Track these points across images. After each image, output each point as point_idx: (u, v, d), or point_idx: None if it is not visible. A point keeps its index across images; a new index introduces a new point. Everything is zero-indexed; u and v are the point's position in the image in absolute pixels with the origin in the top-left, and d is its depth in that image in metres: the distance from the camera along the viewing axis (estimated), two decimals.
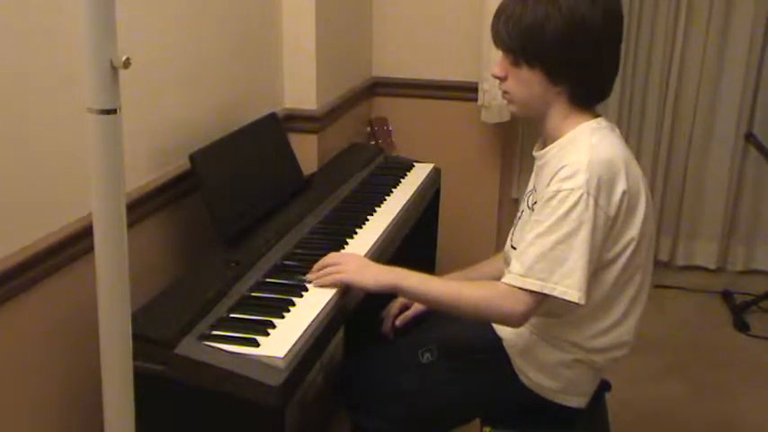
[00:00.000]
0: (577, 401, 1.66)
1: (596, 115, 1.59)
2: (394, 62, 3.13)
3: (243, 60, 2.22)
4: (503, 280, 1.51)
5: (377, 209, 2.09)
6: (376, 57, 3.15)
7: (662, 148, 3.42)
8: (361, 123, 2.91)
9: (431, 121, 3.12)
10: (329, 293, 1.58)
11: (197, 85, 1.97)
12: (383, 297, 1.77)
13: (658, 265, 3.42)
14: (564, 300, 1.45)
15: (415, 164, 2.53)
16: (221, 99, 2.10)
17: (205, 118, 2.00)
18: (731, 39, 3.28)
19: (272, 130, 2.16)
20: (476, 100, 2.99)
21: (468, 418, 1.77)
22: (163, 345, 1.37)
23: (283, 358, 1.35)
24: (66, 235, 1.47)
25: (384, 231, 1.95)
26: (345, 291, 1.61)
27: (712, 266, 3.54)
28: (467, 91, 3.01)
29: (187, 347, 1.38)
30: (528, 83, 1.55)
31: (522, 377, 1.64)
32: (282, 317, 1.48)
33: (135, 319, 1.20)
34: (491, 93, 2.89)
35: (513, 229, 1.70)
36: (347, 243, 1.85)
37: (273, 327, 1.44)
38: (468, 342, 1.72)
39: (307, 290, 1.59)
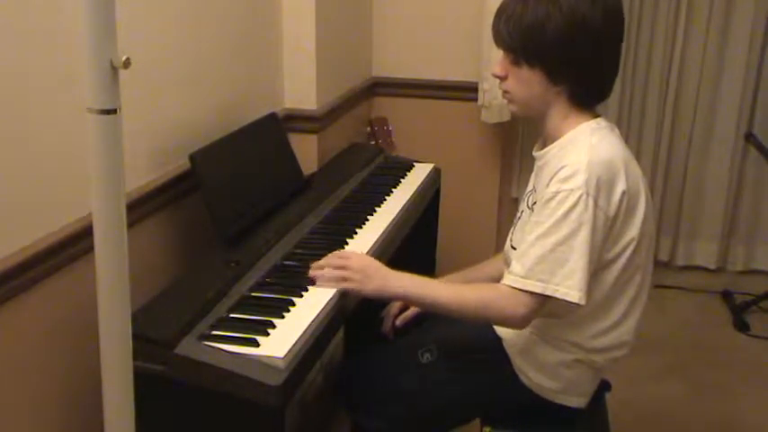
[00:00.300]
0: (577, 401, 1.66)
1: (596, 115, 1.59)
2: (394, 62, 3.13)
3: (243, 60, 2.22)
4: (503, 281, 1.51)
5: (377, 209, 2.09)
6: (376, 57, 3.15)
7: (662, 148, 3.42)
8: (361, 123, 2.91)
9: (431, 121, 3.12)
10: (329, 293, 1.57)
11: (197, 85, 1.97)
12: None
13: (658, 265, 3.42)
14: (565, 301, 1.45)
15: (415, 164, 2.53)
16: (221, 99, 2.10)
17: (205, 118, 2.00)
18: (731, 39, 3.28)
19: (272, 130, 2.16)
20: (476, 100, 2.99)
21: (468, 418, 1.77)
22: (163, 345, 1.37)
23: (283, 358, 1.35)
24: (67, 235, 1.47)
25: (384, 231, 1.95)
26: (345, 291, 1.61)
27: (712, 266, 3.54)
28: (467, 91, 3.01)
29: (187, 347, 1.38)
30: (528, 82, 1.55)
31: (522, 377, 1.64)
32: (282, 317, 1.48)
33: (135, 319, 1.20)
34: (491, 93, 2.89)
35: (513, 230, 1.70)
36: (347, 243, 1.85)
37: (273, 327, 1.44)
38: (468, 342, 1.72)
39: (307, 290, 1.59)
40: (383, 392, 1.73)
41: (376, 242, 1.88)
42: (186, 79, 1.92)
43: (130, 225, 1.15)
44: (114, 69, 1.04)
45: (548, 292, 1.45)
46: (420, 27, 3.09)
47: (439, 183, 2.57)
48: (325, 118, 2.55)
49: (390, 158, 2.58)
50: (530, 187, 1.69)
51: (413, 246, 2.16)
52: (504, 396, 1.69)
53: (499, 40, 1.56)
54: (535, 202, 1.56)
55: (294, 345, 1.39)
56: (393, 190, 2.26)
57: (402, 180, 2.36)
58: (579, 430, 1.70)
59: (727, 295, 3.34)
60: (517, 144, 3.25)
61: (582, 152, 1.48)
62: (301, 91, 2.47)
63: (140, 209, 1.71)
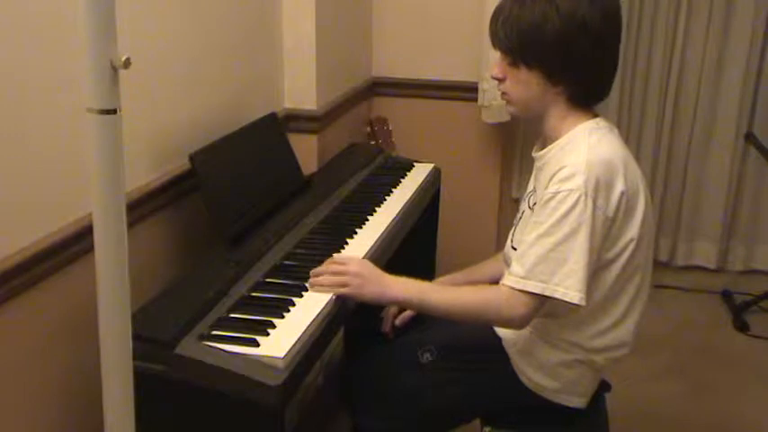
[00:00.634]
0: (577, 401, 1.66)
1: (595, 115, 1.59)
2: (394, 62, 3.13)
3: (243, 60, 2.22)
4: (503, 282, 1.51)
5: (377, 209, 2.09)
6: (376, 57, 3.15)
7: (662, 148, 3.42)
8: (361, 123, 2.91)
9: (431, 121, 3.12)
10: (329, 294, 1.58)
11: (197, 85, 1.97)
12: None
13: (658, 265, 3.42)
14: (565, 301, 1.45)
15: (415, 164, 2.53)
16: (221, 99, 2.10)
17: (205, 118, 2.00)
18: (731, 39, 3.28)
19: (272, 130, 2.16)
20: (476, 100, 2.99)
21: (468, 418, 1.77)
22: (163, 345, 1.37)
23: (283, 358, 1.35)
24: (67, 235, 1.47)
25: (384, 231, 1.95)
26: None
27: (712, 266, 3.54)
28: (467, 91, 3.01)
29: (187, 347, 1.38)
30: (526, 84, 1.55)
31: (522, 377, 1.65)
32: (282, 317, 1.48)
33: (135, 319, 1.20)
34: (491, 93, 2.89)
35: (513, 230, 1.70)
36: (347, 243, 1.85)
37: (273, 327, 1.45)
38: (467, 342, 1.71)
39: (307, 290, 1.59)
40: (383, 392, 1.73)
41: (376, 242, 1.88)
42: (186, 79, 1.92)
43: (130, 225, 1.15)
44: (114, 69, 1.04)
45: (547, 293, 1.46)
46: (420, 27, 3.09)
47: (439, 183, 2.57)
48: (325, 118, 2.55)
49: (390, 158, 2.58)
50: (530, 188, 1.69)
51: (413, 246, 2.16)
52: (504, 396, 1.69)
53: (496, 41, 1.56)
54: (535, 203, 1.56)
55: (294, 345, 1.39)
56: (393, 190, 2.26)
57: (402, 180, 2.36)
58: (579, 430, 1.70)
59: (726, 295, 3.33)
60: (517, 144, 3.25)
61: (581, 152, 1.48)
62: (301, 91, 2.47)
63: (140, 209, 1.71)
